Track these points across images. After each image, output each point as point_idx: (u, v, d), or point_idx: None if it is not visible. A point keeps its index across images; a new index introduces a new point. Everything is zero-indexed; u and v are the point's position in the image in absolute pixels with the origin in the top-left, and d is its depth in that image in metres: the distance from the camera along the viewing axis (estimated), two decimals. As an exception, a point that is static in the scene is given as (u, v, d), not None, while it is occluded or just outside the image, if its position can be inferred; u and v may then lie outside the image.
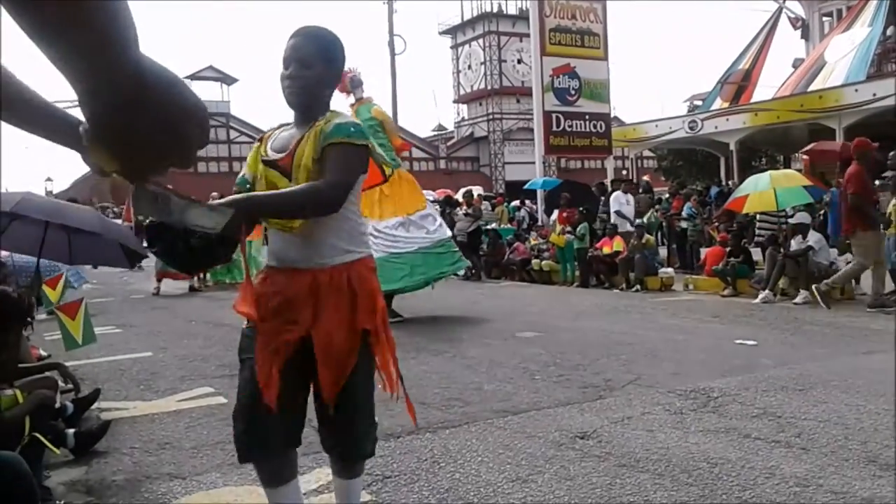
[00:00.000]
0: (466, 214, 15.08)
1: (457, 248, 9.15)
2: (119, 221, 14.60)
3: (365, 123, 8.67)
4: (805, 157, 14.10)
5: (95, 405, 4.86)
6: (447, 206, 16.47)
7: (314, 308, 2.31)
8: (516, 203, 21.28)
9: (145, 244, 1.97)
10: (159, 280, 12.95)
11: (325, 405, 2.35)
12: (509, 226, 17.35)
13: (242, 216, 2.02)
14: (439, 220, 9.17)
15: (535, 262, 14.18)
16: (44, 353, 5.74)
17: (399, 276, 8.18)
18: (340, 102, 8.63)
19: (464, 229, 14.64)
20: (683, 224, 14.64)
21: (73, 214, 6.11)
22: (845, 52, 21.86)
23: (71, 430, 4.03)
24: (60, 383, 4.19)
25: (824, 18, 28.71)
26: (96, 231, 5.34)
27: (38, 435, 3.26)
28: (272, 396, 2.23)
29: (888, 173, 9.70)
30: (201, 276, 13.78)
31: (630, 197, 14.21)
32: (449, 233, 9.24)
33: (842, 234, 8.76)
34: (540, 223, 17.31)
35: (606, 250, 12.49)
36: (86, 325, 5.32)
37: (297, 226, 2.32)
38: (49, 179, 41.51)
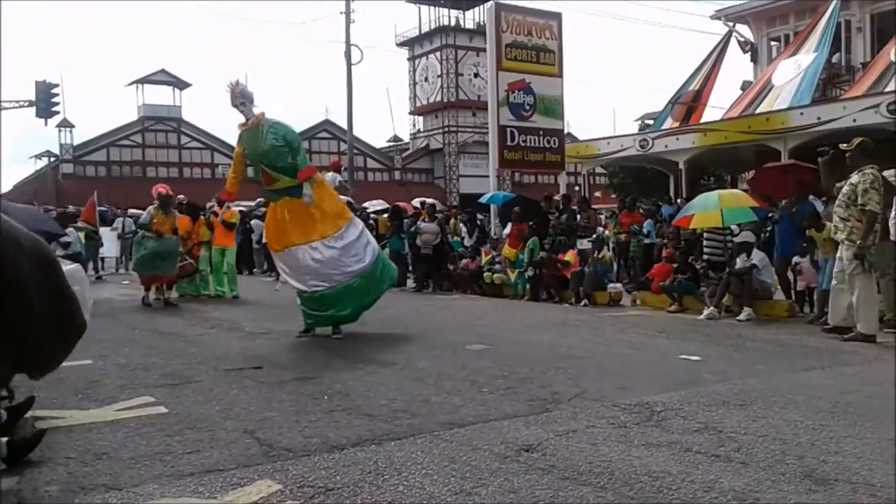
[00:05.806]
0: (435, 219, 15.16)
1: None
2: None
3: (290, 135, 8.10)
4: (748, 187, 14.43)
5: (30, 413, 4.72)
6: (397, 218, 16.46)
7: None
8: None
9: None
10: (147, 288, 12.22)
11: None
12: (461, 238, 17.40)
13: None
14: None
15: (486, 275, 14.23)
16: None
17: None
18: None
19: (429, 242, 14.64)
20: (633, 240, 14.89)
21: None
22: (792, 76, 22.48)
23: (3, 439, 3.91)
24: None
25: (772, 43, 29.54)
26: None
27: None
28: None
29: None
30: (161, 286, 13.24)
31: None
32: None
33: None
34: (494, 235, 17.39)
35: (570, 257, 12.63)
36: None
37: None
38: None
